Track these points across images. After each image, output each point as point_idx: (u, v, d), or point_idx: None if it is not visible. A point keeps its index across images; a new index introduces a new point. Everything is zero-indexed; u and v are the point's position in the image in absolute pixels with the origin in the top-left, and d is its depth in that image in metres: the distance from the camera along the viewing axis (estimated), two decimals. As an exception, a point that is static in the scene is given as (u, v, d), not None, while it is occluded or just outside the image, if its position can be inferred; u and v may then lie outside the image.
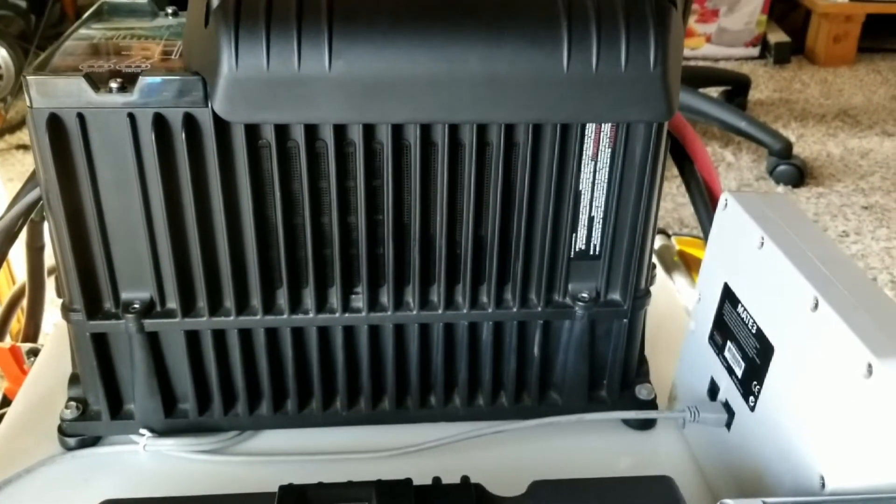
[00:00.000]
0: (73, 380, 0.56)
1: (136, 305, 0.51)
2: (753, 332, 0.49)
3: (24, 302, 0.78)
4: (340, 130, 0.48)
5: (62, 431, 0.56)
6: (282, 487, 0.40)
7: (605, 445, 0.58)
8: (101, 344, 0.53)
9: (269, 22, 0.44)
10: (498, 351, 0.57)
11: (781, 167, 1.82)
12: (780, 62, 2.56)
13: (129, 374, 0.54)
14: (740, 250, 0.50)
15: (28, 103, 0.46)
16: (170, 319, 0.52)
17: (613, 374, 0.58)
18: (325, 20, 0.44)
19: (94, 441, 0.56)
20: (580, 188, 0.52)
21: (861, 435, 0.40)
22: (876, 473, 0.41)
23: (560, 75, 0.46)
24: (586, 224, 0.53)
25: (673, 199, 1.68)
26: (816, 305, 0.43)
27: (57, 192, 0.48)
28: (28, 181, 0.53)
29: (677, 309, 0.74)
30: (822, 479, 0.42)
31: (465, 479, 0.42)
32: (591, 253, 0.54)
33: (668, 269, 1.12)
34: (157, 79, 0.46)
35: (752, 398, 0.49)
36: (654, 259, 0.62)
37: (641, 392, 0.59)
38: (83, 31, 0.54)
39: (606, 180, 0.52)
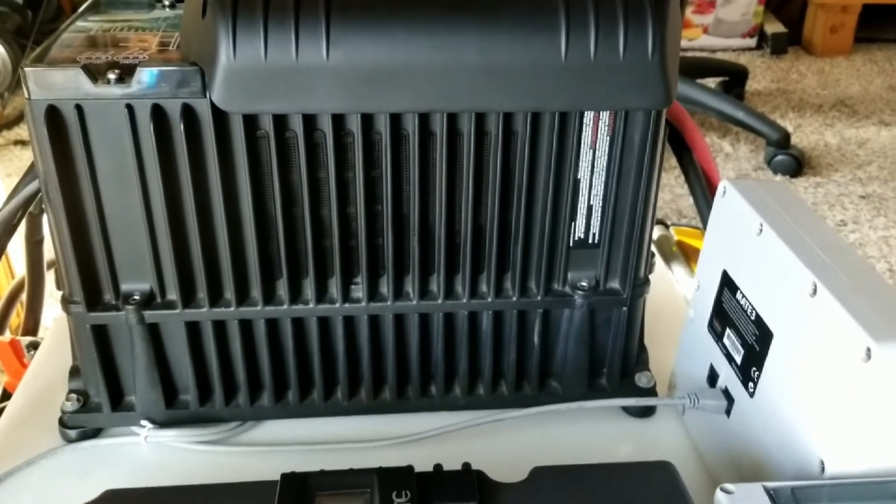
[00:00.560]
0: (74, 372, 0.56)
1: (137, 297, 0.52)
2: (752, 318, 0.49)
3: (24, 296, 0.78)
4: (339, 120, 0.48)
5: (63, 423, 0.56)
6: (284, 475, 0.40)
7: (605, 433, 0.58)
8: (101, 336, 0.53)
9: (267, 12, 0.44)
10: (498, 340, 0.57)
11: (779, 157, 1.82)
12: (777, 53, 2.56)
13: (129, 366, 0.54)
14: (739, 237, 0.50)
15: (26, 95, 0.46)
16: (170, 311, 0.52)
17: (613, 363, 0.58)
18: (323, 10, 0.44)
19: (95, 433, 0.56)
20: (579, 176, 0.52)
21: (860, 419, 0.40)
22: (875, 457, 0.41)
23: (558, 63, 0.46)
24: (585, 212, 0.53)
25: (671, 191, 1.69)
26: (815, 291, 0.43)
27: (56, 184, 0.48)
28: (27, 174, 0.53)
29: (676, 298, 0.74)
30: (822, 463, 0.42)
31: (466, 465, 0.42)
32: (591, 241, 0.54)
33: (667, 260, 1.12)
34: (155, 70, 0.46)
35: (751, 384, 0.49)
36: (653, 248, 0.62)
37: (641, 380, 0.59)
38: (80, 24, 0.54)
39: (605, 168, 0.52)
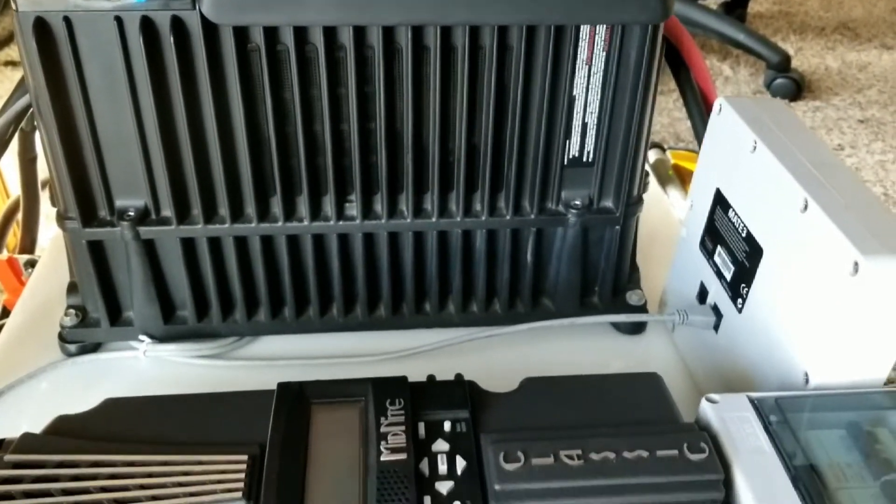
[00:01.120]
0: (72, 288, 0.57)
1: (131, 213, 0.52)
2: (743, 235, 0.49)
3: (20, 215, 0.78)
4: (331, 34, 0.47)
5: (63, 338, 0.57)
6: (280, 384, 0.41)
7: (596, 349, 0.59)
8: (97, 252, 0.53)
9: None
10: (491, 258, 0.57)
11: (779, 80, 1.80)
12: (781, -27, 2.50)
13: (126, 282, 0.55)
14: (733, 155, 0.50)
15: (14, 7, 0.45)
16: (165, 227, 0.52)
17: (605, 281, 0.59)
18: (314, -83, 0.43)
19: (94, 347, 0.57)
20: (574, 93, 0.51)
21: (845, 332, 0.41)
22: (858, 369, 0.42)
23: (554, -26, 0.45)
24: (580, 130, 0.53)
25: (669, 114, 1.67)
26: (806, 207, 0.43)
27: (46, 98, 0.47)
28: (17, 89, 0.53)
29: (671, 221, 0.75)
30: (807, 375, 0.43)
31: (458, 376, 0.43)
32: (585, 160, 0.54)
33: (663, 183, 1.12)
34: (144, -20, 0.45)
35: (740, 300, 0.50)
36: (648, 169, 0.62)
37: (632, 298, 0.60)
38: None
39: (601, 85, 0.51)
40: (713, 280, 0.53)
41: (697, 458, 0.37)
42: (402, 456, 0.37)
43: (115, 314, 0.56)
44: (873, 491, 0.38)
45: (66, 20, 0.45)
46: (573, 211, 0.55)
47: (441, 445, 0.39)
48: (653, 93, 0.52)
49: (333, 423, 0.40)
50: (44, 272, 0.66)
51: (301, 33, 0.47)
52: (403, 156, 0.52)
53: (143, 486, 0.36)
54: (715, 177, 0.53)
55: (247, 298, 0.56)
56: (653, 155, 1.20)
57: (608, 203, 0.56)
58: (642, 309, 0.60)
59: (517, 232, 0.56)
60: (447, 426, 0.40)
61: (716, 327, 0.53)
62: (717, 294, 0.53)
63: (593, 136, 0.53)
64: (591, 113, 0.52)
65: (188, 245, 0.54)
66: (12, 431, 0.42)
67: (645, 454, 0.37)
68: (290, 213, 0.53)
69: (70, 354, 0.57)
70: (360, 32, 0.47)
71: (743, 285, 0.49)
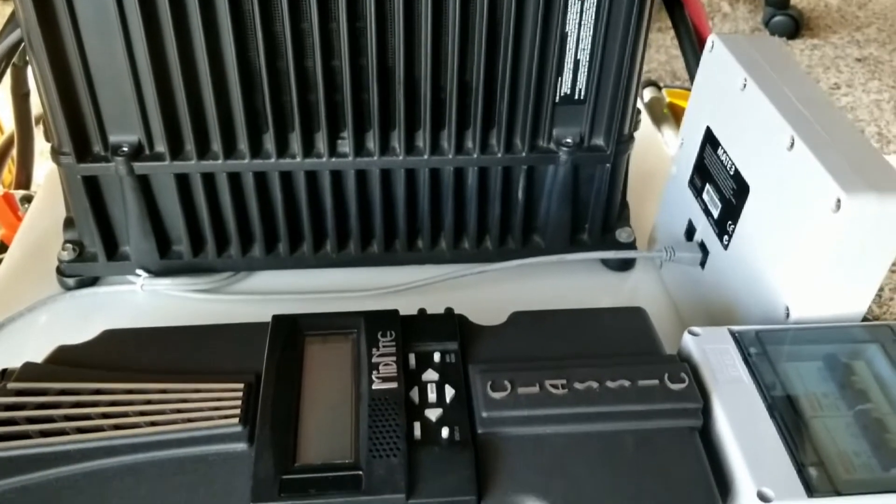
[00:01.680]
0: (68, 223, 0.57)
1: (125, 148, 0.52)
2: (731, 173, 0.50)
3: (14, 151, 0.78)
4: (321, -33, 0.47)
5: (61, 272, 0.57)
6: (275, 316, 0.42)
7: (585, 285, 0.61)
8: (92, 187, 0.54)
9: None
10: (483, 196, 0.58)
11: (777, 18, 1.78)
12: None
13: (122, 217, 0.55)
14: (724, 93, 0.51)
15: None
16: (159, 163, 0.53)
17: (595, 218, 0.60)
18: None
19: (92, 281, 0.58)
20: (566, 30, 0.51)
21: (826, 267, 0.42)
22: (837, 304, 0.44)
23: None
24: (572, 67, 0.53)
25: (666, 52, 1.66)
26: (792, 144, 0.44)
27: (38, 33, 0.47)
28: (8, 23, 0.52)
29: (664, 159, 0.75)
30: (787, 309, 0.44)
31: (448, 310, 0.44)
32: (577, 97, 0.54)
33: (658, 122, 1.12)
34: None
35: (726, 237, 0.51)
36: (641, 107, 0.62)
37: (621, 235, 0.61)
38: None
39: (593, 21, 0.51)
40: (701, 217, 0.54)
41: (677, 387, 0.38)
42: (393, 385, 0.39)
43: (112, 249, 0.57)
44: (847, 420, 0.39)
45: (55, -48, 0.45)
46: (564, 149, 0.55)
47: (431, 375, 0.40)
48: (645, 29, 0.52)
49: (326, 353, 0.41)
50: (40, 207, 0.67)
51: (291, -33, 0.47)
52: (395, 92, 0.52)
53: (142, 413, 0.37)
54: (706, 115, 0.53)
55: (241, 234, 0.57)
56: (648, 93, 1.20)
57: (599, 141, 0.56)
58: (631, 246, 0.61)
59: (508, 169, 0.57)
60: (437, 357, 0.41)
61: (702, 264, 0.54)
62: (705, 231, 0.54)
63: (585, 74, 0.53)
64: (584, 49, 0.52)
65: (182, 181, 0.54)
66: (13, 362, 0.43)
67: (627, 384, 0.39)
68: (282, 149, 0.54)
69: (68, 288, 0.58)
70: (351, -34, 0.47)
71: (729, 222, 0.50)
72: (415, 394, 0.39)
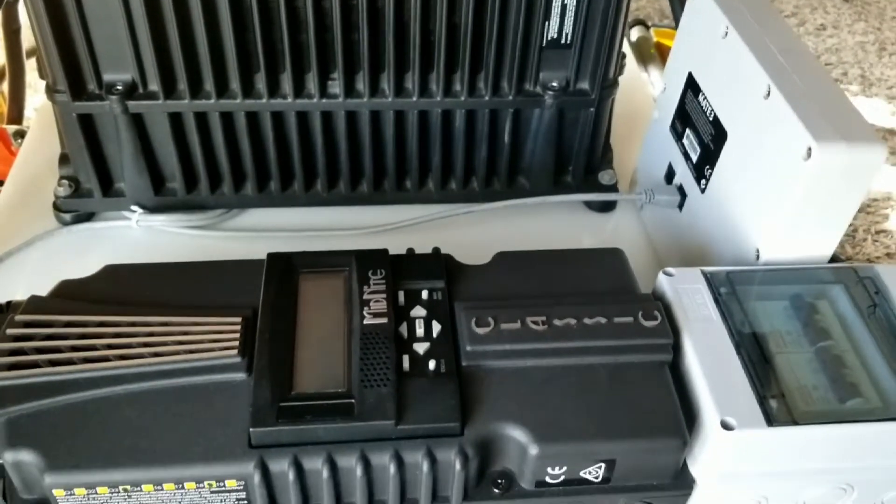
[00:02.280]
0: (63, 159, 0.59)
1: (119, 87, 0.53)
2: (711, 119, 0.52)
3: (4, 86, 0.78)
4: None
5: (57, 208, 0.59)
6: (270, 254, 0.44)
7: (568, 225, 0.63)
8: (87, 125, 0.55)
9: None
10: (470, 138, 0.59)
11: (769, -43, 1.77)
12: None
13: (117, 154, 0.57)
14: (706, 40, 0.52)
15: None
16: (152, 101, 0.54)
17: (579, 160, 0.61)
18: None
19: (88, 216, 0.60)
20: (554, -25, 0.52)
21: (795, 212, 0.44)
22: (804, 247, 0.46)
23: None
24: (559, 12, 0.54)
25: (655, -10, 1.65)
26: (769, 93, 0.45)
27: (30, -31, 0.47)
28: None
29: (649, 101, 0.76)
30: (758, 251, 0.47)
31: (436, 250, 0.46)
32: (563, 42, 0.56)
33: (645, 61, 1.13)
34: None
35: (703, 181, 0.53)
36: (627, 50, 0.63)
37: (604, 177, 0.63)
38: None
39: (580, -33, 0.52)
40: (680, 161, 0.56)
41: (650, 324, 0.41)
42: (384, 320, 0.41)
43: (107, 185, 0.58)
44: (808, 356, 0.42)
45: None
46: (550, 92, 0.57)
47: (419, 311, 0.42)
48: (632, -24, 0.53)
49: (320, 290, 0.43)
50: (33, 143, 0.67)
51: None
52: (385, 34, 0.53)
53: (145, 344, 0.39)
54: (688, 61, 0.55)
55: (234, 172, 0.58)
56: (636, 32, 1.20)
57: (584, 85, 0.57)
58: (613, 188, 0.63)
59: (495, 112, 0.58)
60: (424, 294, 0.43)
61: (680, 206, 0.56)
62: (684, 175, 0.56)
63: (571, 19, 0.54)
64: (571, -5, 0.53)
65: (176, 119, 0.55)
66: (13, 295, 0.45)
67: (603, 320, 0.41)
68: (273, 89, 0.55)
69: (65, 223, 0.59)
70: None
71: (707, 167, 0.52)
72: (404, 329, 0.41)
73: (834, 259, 0.47)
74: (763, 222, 0.46)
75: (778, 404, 0.39)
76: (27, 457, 0.36)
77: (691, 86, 0.54)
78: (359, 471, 0.37)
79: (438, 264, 0.44)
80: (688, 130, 0.55)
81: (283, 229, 0.60)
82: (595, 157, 0.63)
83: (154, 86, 0.53)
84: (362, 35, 0.53)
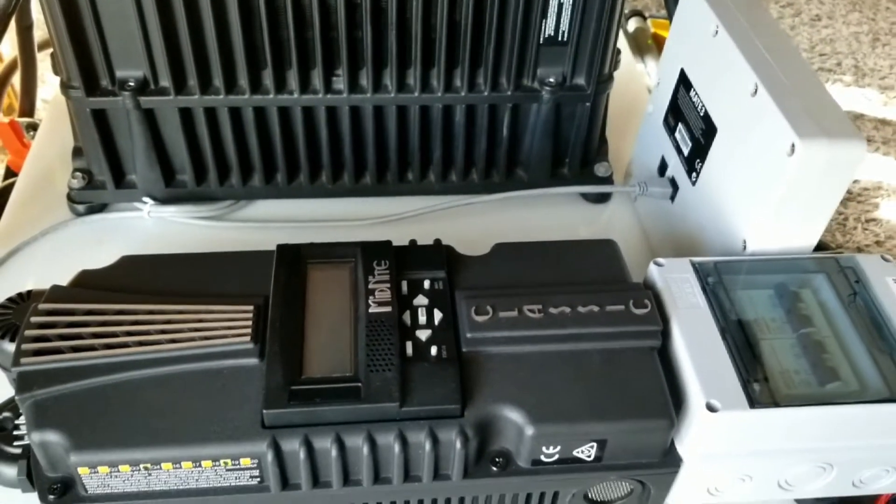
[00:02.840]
0: (77, 152, 0.61)
1: (132, 83, 0.55)
2: (701, 114, 0.54)
3: (16, 78, 0.80)
4: None
5: (71, 199, 0.61)
6: (279, 245, 0.46)
7: (564, 216, 0.65)
8: (101, 119, 0.57)
9: None
10: (470, 132, 0.61)
11: (766, -53, 1.78)
12: None
13: (129, 147, 0.59)
14: (697, 38, 0.54)
15: None
16: (164, 97, 0.56)
17: (575, 153, 0.63)
18: None
19: (101, 208, 0.62)
20: (551, -26, 0.54)
21: (781, 205, 0.46)
22: (789, 238, 0.48)
23: None
24: (556, 10, 0.56)
25: (653, -20, 1.66)
26: (756, 91, 0.47)
27: (46, -30, 0.49)
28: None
29: (644, 95, 0.78)
30: (745, 242, 0.49)
31: (437, 241, 0.48)
32: (560, 39, 0.57)
33: (641, 53, 1.14)
34: None
35: (694, 174, 0.55)
36: (623, 45, 0.65)
37: (599, 170, 0.65)
38: None
39: (576, -33, 0.54)
40: (673, 154, 0.58)
41: (641, 312, 0.43)
42: (388, 308, 0.43)
43: (119, 177, 0.60)
44: (791, 342, 0.44)
45: None
46: (547, 88, 0.59)
47: (421, 300, 0.44)
48: (626, -24, 0.55)
49: (327, 279, 0.45)
50: (46, 136, 0.69)
51: None
52: (387, 32, 0.55)
53: (163, 331, 0.42)
54: (681, 57, 0.57)
55: (241, 165, 0.60)
56: (633, 23, 1.22)
57: (580, 80, 0.59)
58: (608, 180, 0.65)
59: (494, 107, 0.60)
60: (426, 284, 0.45)
61: (672, 198, 0.58)
62: (676, 168, 0.58)
63: (568, 17, 0.56)
64: (567, -7, 0.55)
65: (186, 114, 0.57)
66: (31, 284, 0.47)
67: (596, 308, 0.43)
68: (280, 85, 0.57)
69: (79, 214, 0.61)
70: None
71: (698, 160, 0.54)
72: (407, 317, 0.43)
73: (821, 246, 0.49)
74: (750, 214, 0.48)
75: (761, 387, 0.41)
76: (53, 437, 0.38)
77: (683, 81, 0.56)
78: (365, 450, 0.39)
79: (440, 255, 0.46)
80: (680, 125, 0.57)
81: (289, 220, 0.62)
82: (591, 149, 0.65)
83: (165, 82, 0.55)
84: (366, 33, 0.55)
